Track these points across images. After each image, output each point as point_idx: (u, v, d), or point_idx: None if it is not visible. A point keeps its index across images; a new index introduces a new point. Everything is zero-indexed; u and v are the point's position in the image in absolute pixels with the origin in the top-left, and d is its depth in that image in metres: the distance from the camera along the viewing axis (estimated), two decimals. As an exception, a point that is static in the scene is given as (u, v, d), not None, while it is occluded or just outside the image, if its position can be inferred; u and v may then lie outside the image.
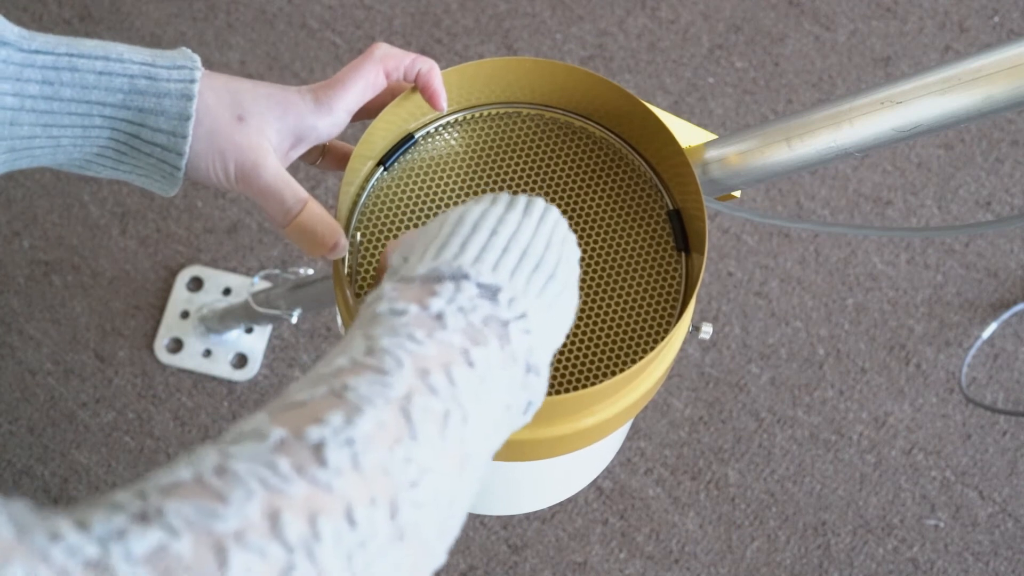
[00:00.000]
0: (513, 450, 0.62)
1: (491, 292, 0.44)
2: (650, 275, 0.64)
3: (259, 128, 0.59)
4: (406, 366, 0.40)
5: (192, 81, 0.57)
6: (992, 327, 1.37)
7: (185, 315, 1.35)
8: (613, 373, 0.61)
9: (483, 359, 0.42)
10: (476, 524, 1.29)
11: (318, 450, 0.35)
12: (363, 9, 1.51)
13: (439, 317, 0.42)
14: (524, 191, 0.66)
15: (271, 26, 1.49)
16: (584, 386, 0.60)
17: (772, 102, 1.48)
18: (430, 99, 0.64)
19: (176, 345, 1.35)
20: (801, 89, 1.49)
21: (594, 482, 1.31)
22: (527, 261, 0.46)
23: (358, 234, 0.64)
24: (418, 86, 0.64)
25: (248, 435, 0.36)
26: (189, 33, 1.48)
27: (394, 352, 0.40)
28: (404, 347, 0.40)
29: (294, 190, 0.59)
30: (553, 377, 0.61)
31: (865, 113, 0.60)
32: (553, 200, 0.66)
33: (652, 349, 0.61)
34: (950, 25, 1.53)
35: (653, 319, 0.63)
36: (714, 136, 0.70)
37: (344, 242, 0.61)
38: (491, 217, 0.47)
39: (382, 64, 0.62)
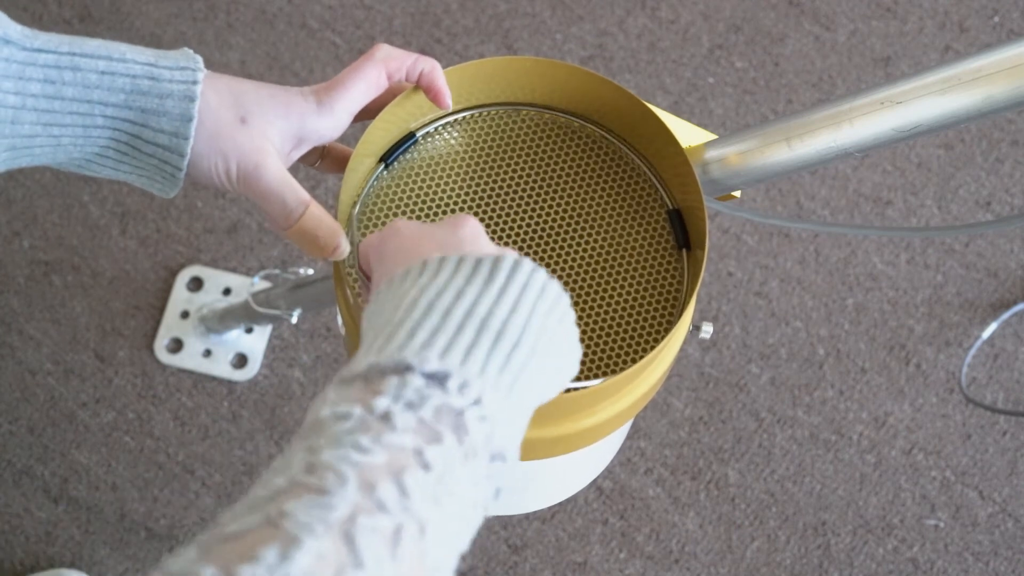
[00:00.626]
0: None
1: (439, 380, 0.40)
2: (650, 274, 0.64)
3: (261, 130, 0.59)
4: (350, 482, 0.36)
5: (195, 82, 0.57)
6: (992, 327, 1.37)
7: (185, 315, 1.35)
8: (613, 372, 0.61)
9: (439, 458, 0.38)
10: (476, 524, 1.29)
11: None
12: (363, 9, 1.51)
13: (386, 417, 0.39)
14: (524, 191, 0.66)
15: (271, 26, 1.49)
16: (584, 385, 0.60)
17: (772, 102, 1.48)
18: (435, 98, 0.64)
19: (176, 345, 1.35)
20: (801, 89, 1.49)
21: (594, 482, 1.31)
22: (485, 336, 0.42)
23: (358, 234, 0.64)
24: (422, 86, 0.64)
25: None
26: (189, 33, 1.48)
27: (337, 467, 0.37)
28: (348, 459, 0.37)
29: (296, 192, 0.59)
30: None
31: (865, 113, 0.60)
32: (553, 199, 0.66)
33: (653, 348, 0.61)
34: (950, 25, 1.53)
35: (654, 318, 0.63)
36: (714, 136, 0.70)
37: (345, 244, 0.61)
38: (447, 294, 0.44)
39: (384, 65, 0.62)
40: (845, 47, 1.51)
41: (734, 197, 0.73)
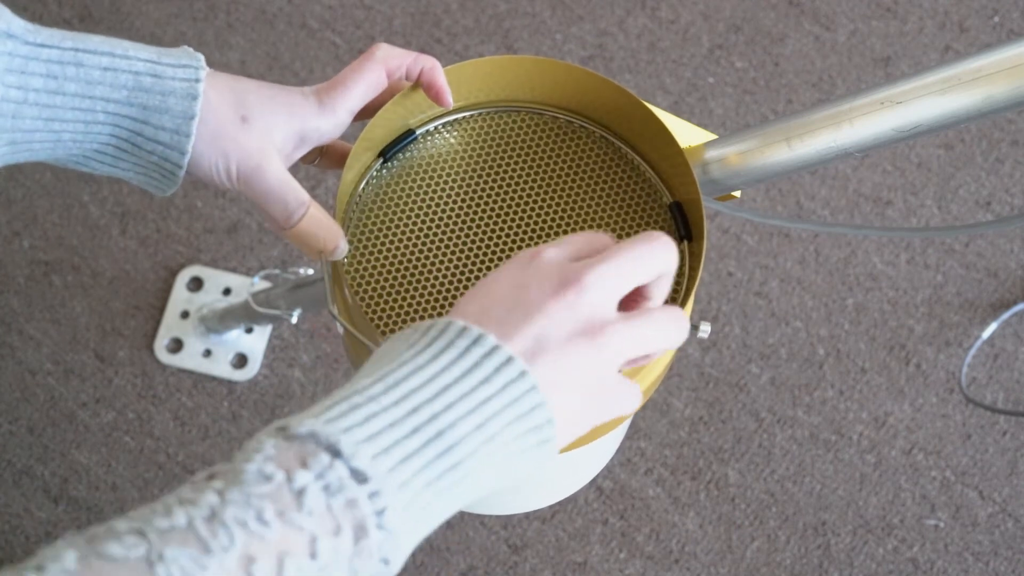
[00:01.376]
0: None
1: (360, 478, 0.40)
2: None
3: (263, 129, 0.59)
4: (233, 550, 0.37)
5: (197, 80, 0.57)
6: (992, 327, 1.37)
7: (185, 315, 1.35)
8: None
9: (329, 551, 0.39)
10: (476, 524, 1.29)
11: None
12: (363, 9, 1.51)
13: (300, 494, 0.39)
14: (523, 190, 0.66)
15: (271, 26, 1.49)
16: None
17: (772, 102, 1.48)
18: (435, 97, 0.64)
19: (176, 345, 1.35)
20: (801, 89, 1.49)
21: (594, 482, 1.31)
22: (429, 449, 0.41)
23: (356, 231, 0.65)
24: (422, 84, 0.64)
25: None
26: (189, 33, 1.48)
27: (231, 529, 0.37)
28: (246, 526, 0.38)
29: (297, 193, 0.59)
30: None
31: (865, 113, 0.60)
32: (552, 198, 0.66)
33: None
34: (950, 25, 1.53)
35: None
36: (714, 136, 0.70)
37: (344, 245, 0.61)
38: (424, 388, 0.42)
39: (384, 64, 0.62)
40: (845, 47, 1.51)
41: (734, 197, 0.73)
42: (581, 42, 1.50)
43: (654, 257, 0.46)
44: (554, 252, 0.46)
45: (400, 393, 0.42)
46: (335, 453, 0.40)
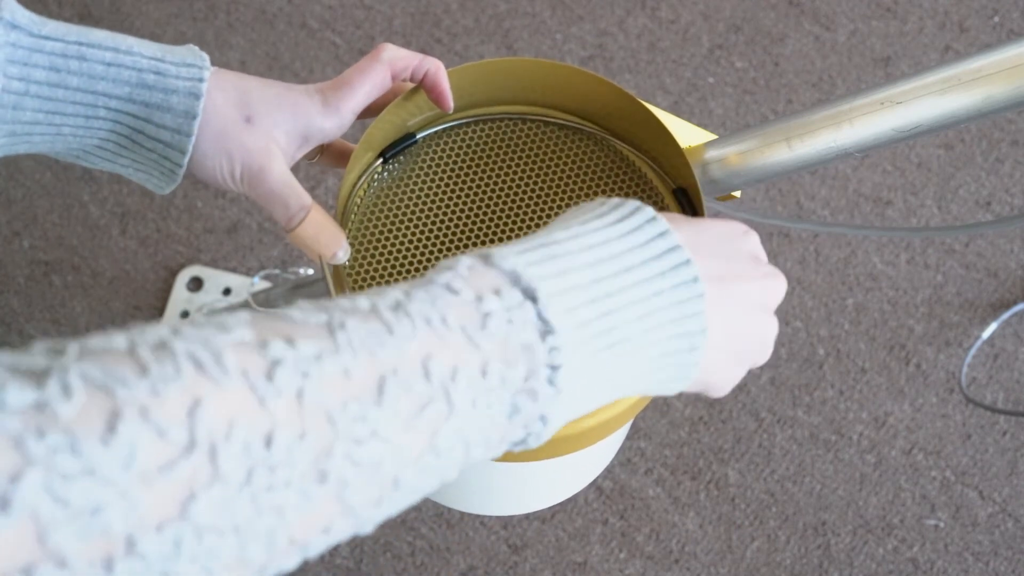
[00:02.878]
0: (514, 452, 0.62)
1: (546, 329, 0.39)
2: None
3: (267, 130, 0.59)
4: (415, 340, 0.36)
5: (200, 80, 0.57)
6: (992, 327, 1.37)
7: (185, 315, 1.35)
8: None
9: (498, 377, 0.38)
10: (476, 524, 1.29)
11: (272, 366, 0.32)
12: (363, 9, 1.51)
13: (486, 316, 0.38)
14: (524, 191, 0.66)
15: (271, 26, 1.49)
16: None
17: (772, 102, 1.48)
18: (437, 99, 0.64)
19: (176, 345, 1.35)
20: (801, 89, 1.49)
21: (594, 482, 1.31)
22: (595, 307, 0.40)
23: (356, 232, 0.64)
24: (425, 86, 0.64)
25: (215, 323, 0.34)
26: (189, 33, 1.48)
27: (414, 320, 0.36)
28: (430, 323, 0.37)
29: (298, 196, 0.59)
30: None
31: (865, 113, 0.60)
32: (553, 200, 0.66)
33: None
34: (950, 25, 1.53)
35: None
36: (714, 136, 0.70)
37: (345, 249, 0.61)
38: (596, 237, 0.42)
39: (389, 66, 0.62)
40: (845, 47, 1.51)
41: (734, 197, 0.73)
42: (581, 42, 1.50)
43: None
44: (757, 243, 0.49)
45: (591, 258, 0.41)
46: (530, 296, 0.39)
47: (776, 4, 1.53)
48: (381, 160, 0.66)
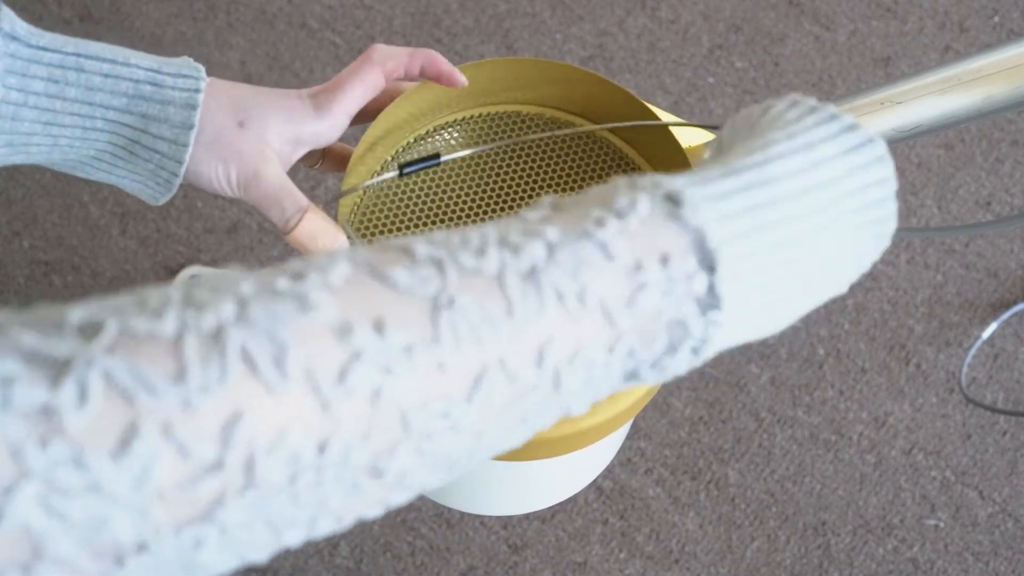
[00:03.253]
0: (513, 450, 0.62)
1: (712, 303, 0.34)
2: None
3: (260, 134, 0.59)
4: (541, 321, 0.31)
5: (197, 91, 0.57)
6: (992, 327, 1.37)
7: (185, 315, 1.35)
8: None
9: (625, 353, 0.33)
10: (476, 524, 1.29)
11: (349, 360, 0.29)
12: (363, 9, 1.51)
13: (638, 289, 0.33)
14: (524, 191, 0.66)
15: (271, 26, 1.49)
16: None
17: (772, 102, 1.48)
18: (447, 82, 0.64)
19: (176, 345, 1.35)
20: (801, 89, 1.49)
21: (594, 482, 1.31)
22: (777, 254, 0.35)
23: (356, 236, 0.64)
24: (429, 78, 0.64)
25: (296, 295, 0.29)
26: (189, 33, 1.48)
27: (544, 295, 0.31)
28: (562, 300, 0.32)
29: (294, 198, 0.59)
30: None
31: (865, 113, 0.60)
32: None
33: None
34: (950, 25, 1.53)
35: None
36: (714, 136, 0.70)
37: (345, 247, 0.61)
38: (794, 162, 0.36)
39: (381, 67, 0.62)
40: (845, 47, 1.51)
41: (734, 197, 0.73)
42: (581, 42, 1.50)
43: None
44: None
45: (800, 208, 0.35)
46: (708, 266, 0.34)
47: (776, 4, 1.53)
48: (397, 172, 0.66)
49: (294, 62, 1.48)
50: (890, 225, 0.39)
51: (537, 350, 0.31)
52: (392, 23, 1.50)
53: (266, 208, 0.59)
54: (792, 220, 0.35)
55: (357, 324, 0.29)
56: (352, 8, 1.51)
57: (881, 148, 0.39)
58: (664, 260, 0.33)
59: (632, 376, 0.35)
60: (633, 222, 0.33)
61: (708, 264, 0.33)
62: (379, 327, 0.29)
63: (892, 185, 0.39)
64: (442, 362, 0.30)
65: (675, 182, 0.34)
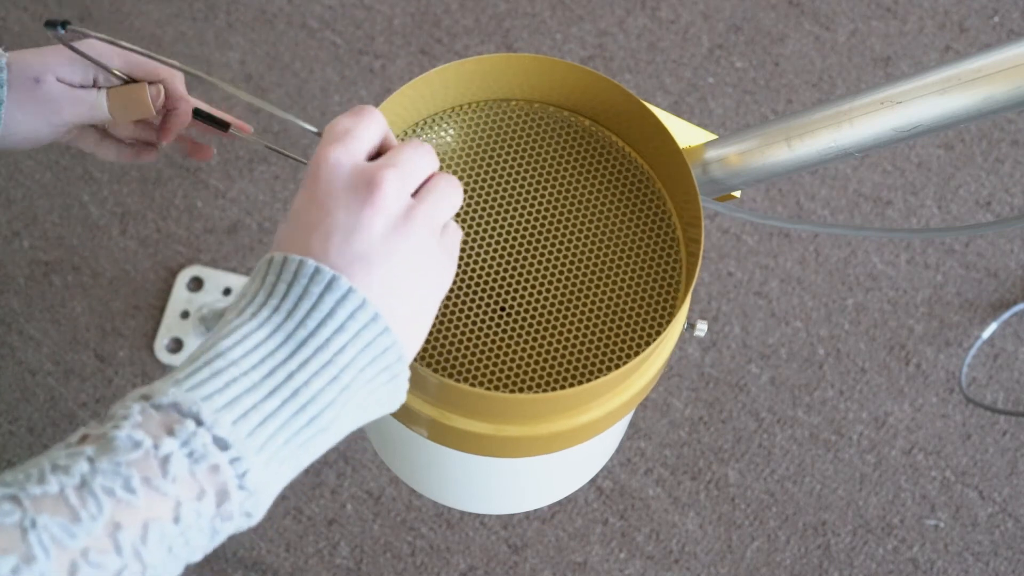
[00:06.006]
0: (510, 446, 0.62)
1: (222, 445, 0.42)
2: (645, 271, 0.64)
3: (52, 81, 0.66)
4: (101, 518, 0.39)
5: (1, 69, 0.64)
6: (992, 327, 1.37)
7: (185, 315, 1.35)
8: (609, 369, 0.61)
9: (192, 514, 0.41)
10: (476, 524, 1.29)
11: None
12: (363, 9, 1.51)
13: (165, 461, 0.41)
14: (520, 185, 0.66)
15: (271, 26, 1.49)
16: (580, 382, 0.60)
17: (772, 102, 1.48)
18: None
19: (176, 345, 1.35)
20: (801, 89, 1.49)
21: (594, 482, 1.31)
22: (285, 409, 0.43)
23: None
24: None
25: None
26: (189, 33, 1.48)
27: (99, 498, 0.40)
28: (112, 494, 0.40)
29: (88, 93, 0.66)
30: (548, 372, 0.61)
31: (865, 113, 0.60)
32: (549, 194, 0.66)
33: (647, 345, 0.61)
34: (950, 25, 1.53)
35: (648, 315, 0.63)
36: (714, 136, 0.70)
37: (157, 93, 0.67)
38: (269, 341, 0.44)
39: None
40: (845, 47, 1.51)
41: (734, 197, 0.73)
42: (581, 42, 1.50)
43: (428, 153, 0.50)
44: (345, 157, 0.48)
45: (258, 356, 0.44)
46: (198, 421, 0.42)
47: (776, 4, 1.53)
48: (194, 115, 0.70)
49: (294, 62, 1.48)
50: (391, 356, 0.46)
51: (111, 539, 0.39)
52: (392, 23, 1.50)
53: (77, 115, 0.65)
54: (261, 371, 0.43)
55: None
56: (352, 8, 1.51)
57: (326, 275, 0.45)
58: (170, 431, 0.41)
59: (214, 533, 0.42)
60: (136, 418, 0.42)
61: (196, 420, 0.42)
62: None
63: (365, 317, 0.45)
64: (42, 572, 0.37)
65: (152, 386, 0.43)
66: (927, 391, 1.36)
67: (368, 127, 0.49)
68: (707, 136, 0.70)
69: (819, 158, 0.64)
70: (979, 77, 0.56)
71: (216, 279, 1.37)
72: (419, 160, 0.49)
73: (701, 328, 0.68)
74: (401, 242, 0.47)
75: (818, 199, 1.44)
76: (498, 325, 0.61)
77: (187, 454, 0.41)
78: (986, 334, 1.37)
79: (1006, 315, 1.38)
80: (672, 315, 0.62)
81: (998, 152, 1.47)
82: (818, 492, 1.32)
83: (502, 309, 0.62)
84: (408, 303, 0.47)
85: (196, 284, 1.37)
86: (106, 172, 1.42)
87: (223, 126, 0.68)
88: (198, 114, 0.69)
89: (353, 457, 1.30)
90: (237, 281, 1.37)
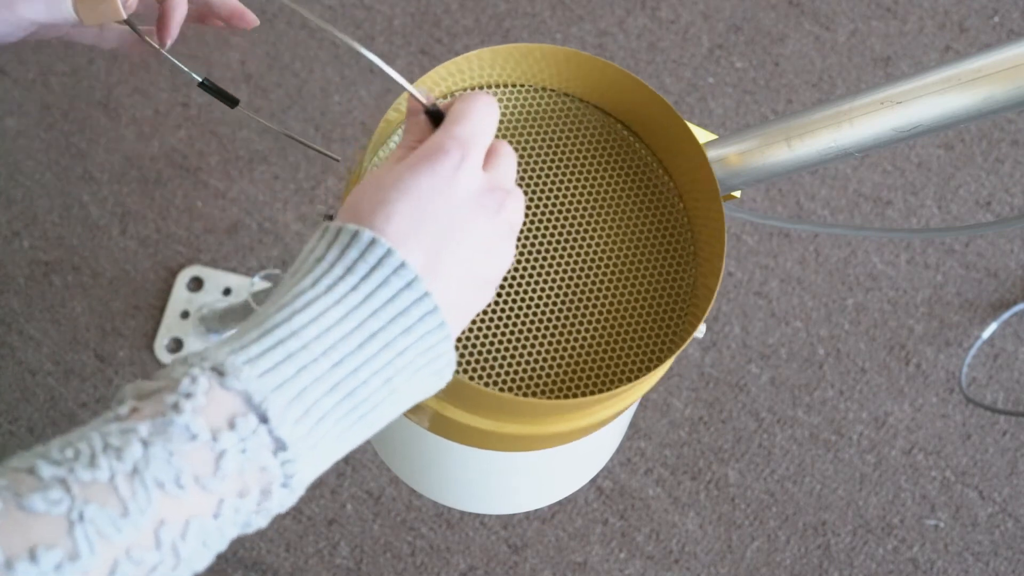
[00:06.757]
0: (511, 441, 0.62)
1: (279, 446, 0.41)
2: (662, 283, 0.64)
3: None
4: (150, 511, 0.38)
5: None
6: (992, 327, 1.37)
7: (185, 315, 1.35)
8: (621, 382, 0.61)
9: (232, 511, 0.41)
10: (476, 524, 1.29)
11: None
12: (363, 9, 1.51)
13: (220, 457, 0.40)
14: (538, 171, 0.65)
15: (271, 26, 1.49)
16: (590, 390, 0.60)
17: (772, 102, 1.48)
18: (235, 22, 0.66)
19: (176, 345, 1.35)
20: (801, 89, 1.49)
21: (594, 482, 1.31)
22: (341, 407, 0.42)
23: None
24: (223, 17, 0.66)
25: None
26: (189, 33, 1.48)
27: (149, 491, 0.38)
28: (163, 487, 0.39)
29: None
30: (556, 377, 0.61)
31: (865, 113, 0.60)
32: (566, 185, 0.65)
33: (662, 361, 0.60)
34: (950, 25, 1.53)
35: (663, 328, 0.62)
36: (714, 136, 0.70)
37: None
38: (336, 313, 0.43)
39: None
40: (845, 47, 1.51)
41: (734, 197, 0.73)
42: (581, 42, 1.50)
43: (490, 112, 0.49)
44: (478, 168, 0.48)
45: (330, 340, 0.42)
46: (263, 418, 0.41)
47: (776, 4, 1.53)
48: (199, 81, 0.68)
49: (294, 62, 1.48)
50: (442, 363, 0.45)
51: (153, 535, 0.38)
52: (392, 23, 1.50)
53: (31, 10, 0.60)
54: (329, 361, 0.42)
55: (16, 557, 0.36)
56: (352, 8, 1.51)
57: (408, 274, 0.43)
58: (231, 424, 0.40)
59: (246, 525, 0.42)
60: (200, 399, 0.40)
61: (262, 416, 0.40)
62: (33, 555, 0.36)
63: (432, 323, 0.44)
64: (85, 570, 0.37)
65: (219, 354, 0.41)
66: (927, 391, 1.36)
67: (494, 128, 0.49)
68: (707, 136, 0.70)
69: (819, 158, 0.64)
70: (979, 77, 0.56)
71: (216, 279, 1.37)
72: (515, 169, 0.50)
73: (700, 330, 0.68)
74: (493, 258, 0.47)
75: (818, 199, 1.44)
76: (511, 323, 0.61)
77: (241, 451, 0.40)
78: (986, 334, 1.37)
79: (1006, 315, 1.38)
80: (689, 331, 0.62)
81: (998, 152, 1.47)
82: (818, 492, 1.32)
83: (513, 311, 0.61)
84: (465, 307, 0.47)
85: (196, 284, 1.37)
86: (106, 172, 1.42)
87: (232, 101, 0.66)
88: (204, 86, 0.66)
89: (353, 457, 1.30)
90: (237, 281, 1.37)
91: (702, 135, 0.70)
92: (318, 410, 0.42)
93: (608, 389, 0.58)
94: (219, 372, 0.41)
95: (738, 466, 1.32)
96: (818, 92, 1.49)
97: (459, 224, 0.45)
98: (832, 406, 1.35)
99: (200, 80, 0.67)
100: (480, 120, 0.48)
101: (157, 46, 0.66)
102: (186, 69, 0.70)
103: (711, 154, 0.68)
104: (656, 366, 0.60)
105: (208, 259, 1.38)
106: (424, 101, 0.51)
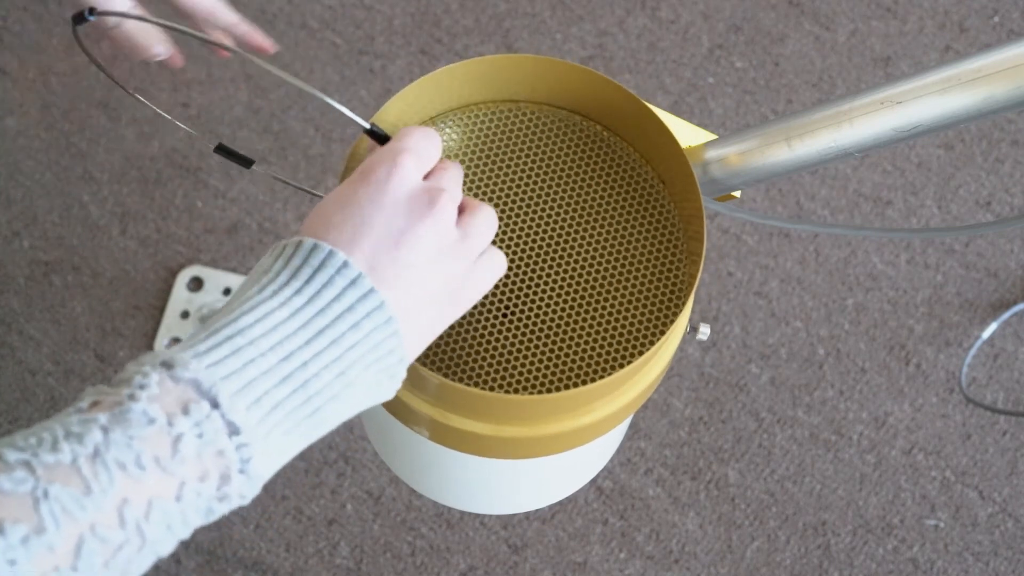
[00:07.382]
0: (511, 448, 0.62)
1: (233, 430, 0.43)
2: (647, 273, 0.64)
3: None
4: (111, 492, 0.40)
5: None
6: (992, 327, 1.37)
7: (185, 315, 1.35)
8: (609, 371, 0.61)
9: (193, 495, 0.42)
10: (476, 524, 1.29)
11: None
12: (363, 9, 1.51)
13: (177, 440, 0.42)
14: (523, 185, 0.66)
15: (271, 26, 1.49)
16: (581, 383, 0.60)
17: (772, 102, 1.48)
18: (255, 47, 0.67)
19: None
20: (801, 89, 1.49)
21: (594, 482, 1.31)
22: (295, 397, 0.44)
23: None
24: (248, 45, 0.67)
25: None
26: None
27: (111, 471, 0.40)
28: (124, 468, 0.40)
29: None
30: (549, 374, 0.61)
31: (865, 113, 0.60)
32: (552, 195, 0.66)
33: (649, 347, 0.61)
34: (950, 25, 1.53)
35: (651, 316, 0.63)
36: (714, 136, 0.70)
37: (162, 44, 0.64)
38: (284, 312, 0.45)
39: None
40: (845, 47, 1.51)
41: (734, 197, 0.73)
42: (581, 42, 1.50)
43: (461, 173, 0.54)
44: (415, 172, 0.51)
45: (277, 337, 0.44)
46: (214, 404, 0.43)
47: (776, 4, 1.53)
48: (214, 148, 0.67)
49: (294, 62, 1.48)
50: (393, 360, 0.47)
51: (117, 513, 0.40)
52: (392, 23, 1.50)
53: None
54: (277, 355, 0.44)
55: None
56: (352, 8, 1.51)
57: (352, 272, 0.46)
58: (185, 409, 0.42)
59: (208, 512, 0.43)
60: (154, 388, 0.42)
61: (213, 402, 0.43)
62: (1, 529, 0.38)
63: (380, 318, 0.46)
64: (51, 544, 0.38)
65: (169, 352, 0.44)
66: (927, 391, 1.36)
67: (435, 151, 0.52)
68: (707, 136, 0.70)
69: (819, 158, 0.64)
70: (979, 77, 0.56)
71: (216, 279, 1.37)
72: (459, 179, 0.53)
73: (704, 332, 0.68)
74: (444, 264, 0.49)
75: (818, 199, 1.44)
76: (500, 326, 0.61)
77: (197, 435, 0.42)
78: (986, 334, 1.37)
79: (1006, 315, 1.38)
80: (674, 318, 0.62)
81: (998, 152, 1.47)
82: (818, 492, 1.32)
83: (503, 314, 0.62)
84: (424, 316, 0.49)
85: (196, 284, 1.37)
86: (106, 172, 1.42)
87: (247, 162, 0.66)
88: (219, 149, 0.67)
89: (353, 457, 1.30)
90: (237, 281, 1.37)
91: (702, 135, 0.70)
92: (269, 399, 0.44)
93: (602, 377, 0.58)
94: (168, 366, 0.43)
95: (738, 466, 1.32)
96: (818, 92, 1.49)
97: (399, 228, 0.48)
98: (832, 406, 1.35)
99: (215, 145, 0.67)
100: (413, 137, 0.52)
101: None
102: (195, 133, 0.71)
103: (711, 154, 0.68)
104: (648, 349, 0.60)
105: (208, 259, 1.38)
106: (365, 125, 0.54)
